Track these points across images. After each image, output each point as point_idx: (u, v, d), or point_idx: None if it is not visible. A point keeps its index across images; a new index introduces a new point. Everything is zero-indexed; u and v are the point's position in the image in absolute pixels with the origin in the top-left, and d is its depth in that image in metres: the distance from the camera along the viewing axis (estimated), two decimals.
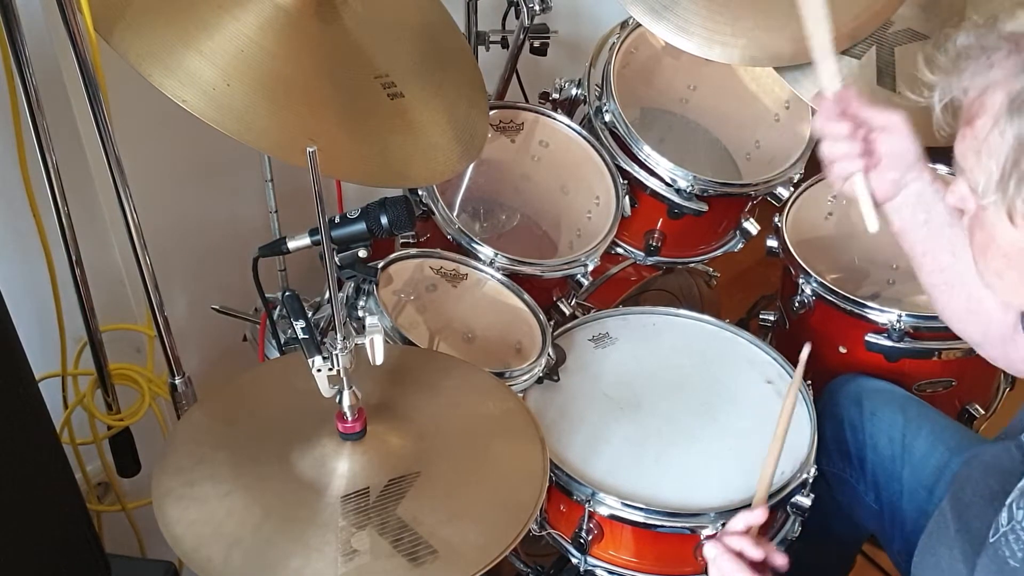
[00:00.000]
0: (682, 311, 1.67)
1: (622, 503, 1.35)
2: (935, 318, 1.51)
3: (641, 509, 1.34)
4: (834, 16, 1.56)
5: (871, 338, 1.55)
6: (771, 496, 1.37)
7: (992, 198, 0.92)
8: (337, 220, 1.28)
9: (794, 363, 1.56)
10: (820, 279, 1.58)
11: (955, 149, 0.96)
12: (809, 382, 1.53)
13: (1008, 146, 0.89)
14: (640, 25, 1.64)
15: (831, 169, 1.22)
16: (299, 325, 1.09)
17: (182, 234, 1.72)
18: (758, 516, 1.17)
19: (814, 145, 1.73)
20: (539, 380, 1.48)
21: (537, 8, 1.74)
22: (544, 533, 1.45)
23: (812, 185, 1.74)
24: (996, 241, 0.95)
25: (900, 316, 1.51)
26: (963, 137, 0.95)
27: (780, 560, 1.16)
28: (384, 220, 1.28)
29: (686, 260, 1.85)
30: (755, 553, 1.14)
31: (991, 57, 0.91)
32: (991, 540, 1.03)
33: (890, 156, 1.20)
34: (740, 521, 1.18)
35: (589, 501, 1.36)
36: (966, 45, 0.94)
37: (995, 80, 0.91)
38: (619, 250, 1.80)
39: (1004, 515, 1.03)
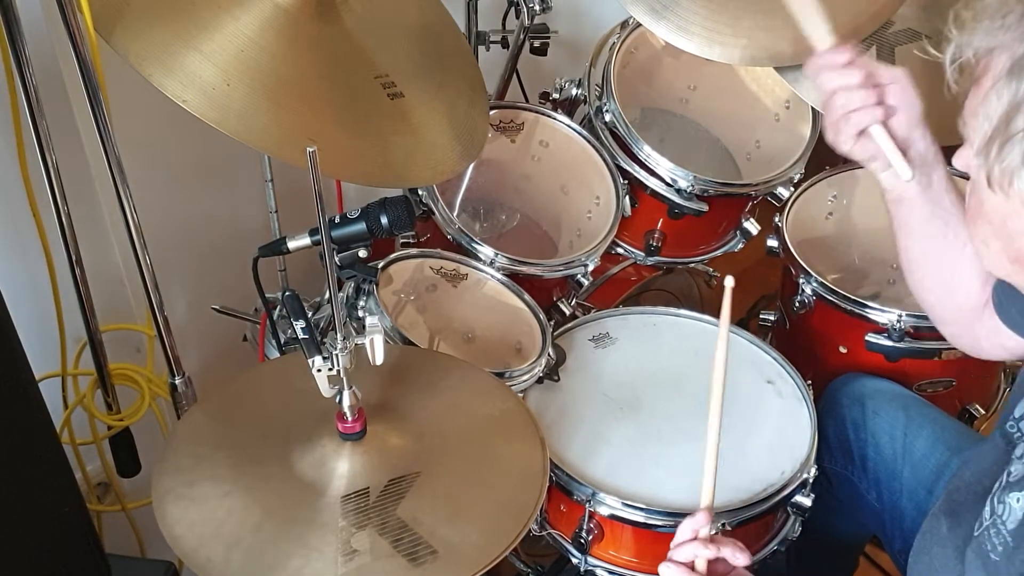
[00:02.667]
0: (682, 311, 1.67)
1: (622, 503, 1.35)
2: None
3: (641, 509, 1.34)
4: (834, 16, 1.56)
5: (871, 338, 1.55)
6: (771, 496, 1.37)
7: (977, 160, 0.92)
8: (337, 220, 1.28)
9: (795, 363, 1.57)
10: (820, 279, 1.58)
11: (964, 109, 0.96)
12: (809, 382, 1.53)
13: (1001, 109, 0.89)
14: (640, 25, 1.64)
15: (847, 122, 1.15)
16: (299, 325, 1.09)
17: (182, 234, 1.72)
18: (701, 520, 1.11)
19: (817, 137, 1.75)
20: (539, 380, 1.48)
21: (537, 8, 1.74)
22: (544, 533, 1.45)
23: (812, 185, 1.74)
24: (984, 207, 0.96)
25: (900, 316, 1.51)
26: (970, 98, 0.95)
27: (741, 559, 1.10)
28: (384, 220, 1.28)
29: (686, 260, 1.85)
30: (707, 551, 1.09)
31: (1005, 19, 0.91)
32: (975, 534, 1.03)
33: (899, 109, 1.15)
34: (687, 529, 1.13)
35: (589, 501, 1.36)
36: (988, 4, 0.93)
37: (1003, 42, 0.90)
38: (619, 250, 1.80)
39: (987, 509, 1.03)
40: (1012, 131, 0.87)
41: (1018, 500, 0.99)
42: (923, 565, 1.17)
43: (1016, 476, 1.02)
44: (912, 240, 1.24)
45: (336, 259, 1.27)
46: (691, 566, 1.10)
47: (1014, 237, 0.94)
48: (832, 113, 1.17)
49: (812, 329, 1.66)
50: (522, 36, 1.81)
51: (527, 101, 1.90)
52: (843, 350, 1.62)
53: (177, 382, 1.42)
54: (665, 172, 1.67)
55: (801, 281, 1.61)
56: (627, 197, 1.70)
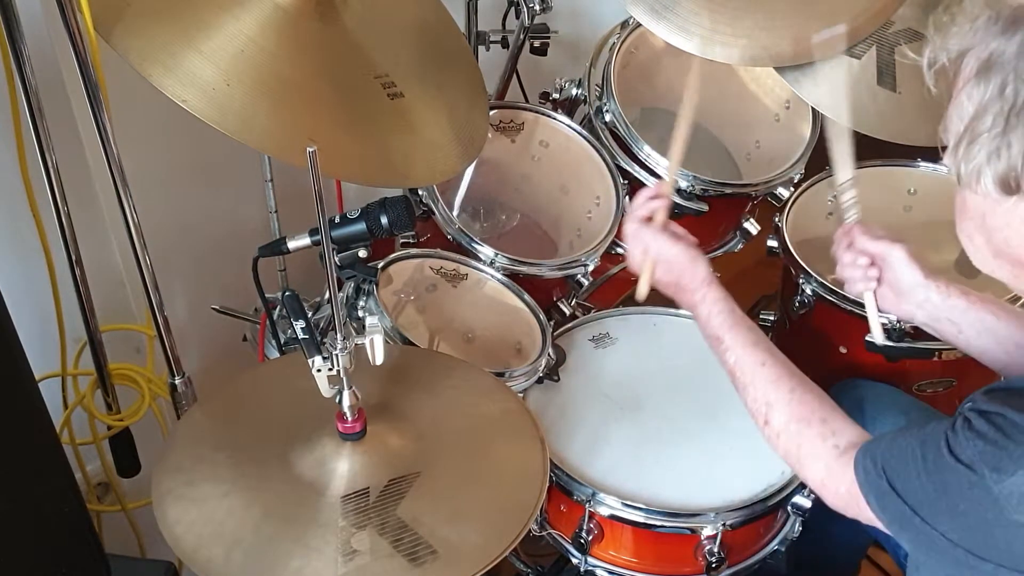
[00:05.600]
0: (682, 311, 1.67)
1: (622, 503, 1.35)
2: None
3: (641, 509, 1.34)
4: (834, 16, 1.56)
5: (871, 338, 1.54)
6: (771, 496, 1.37)
7: (949, 160, 0.94)
8: (337, 220, 1.28)
9: (795, 363, 1.56)
10: (820, 279, 1.58)
11: (946, 112, 0.98)
12: None
13: (971, 110, 0.90)
14: (640, 25, 1.64)
15: (847, 283, 1.36)
16: (299, 325, 1.09)
17: (182, 234, 1.72)
18: (657, 192, 1.34)
19: (814, 147, 1.75)
20: (539, 380, 1.48)
21: (537, 8, 1.74)
22: (544, 533, 1.45)
23: (812, 185, 1.74)
24: (966, 204, 0.98)
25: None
26: (950, 101, 0.97)
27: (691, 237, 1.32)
28: (384, 220, 1.28)
29: None
30: (663, 202, 1.31)
31: (975, 22, 0.93)
32: None
33: (890, 284, 1.32)
34: (644, 203, 1.33)
35: (589, 501, 1.36)
36: (963, 8, 0.95)
37: (972, 44, 0.92)
38: (619, 250, 1.80)
39: None
40: (978, 131, 0.89)
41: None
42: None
43: None
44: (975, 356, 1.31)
45: (336, 259, 1.27)
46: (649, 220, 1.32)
47: (992, 232, 0.96)
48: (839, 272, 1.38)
49: (812, 329, 1.66)
50: (522, 36, 1.82)
51: (527, 101, 1.90)
52: (843, 350, 1.62)
53: (177, 382, 1.42)
54: (665, 172, 1.67)
55: (801, 281, 1.61)
56: (627, 197, 1.70)
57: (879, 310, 1.36)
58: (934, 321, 1.32)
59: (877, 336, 1.39)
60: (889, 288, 1.33)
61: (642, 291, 1.32)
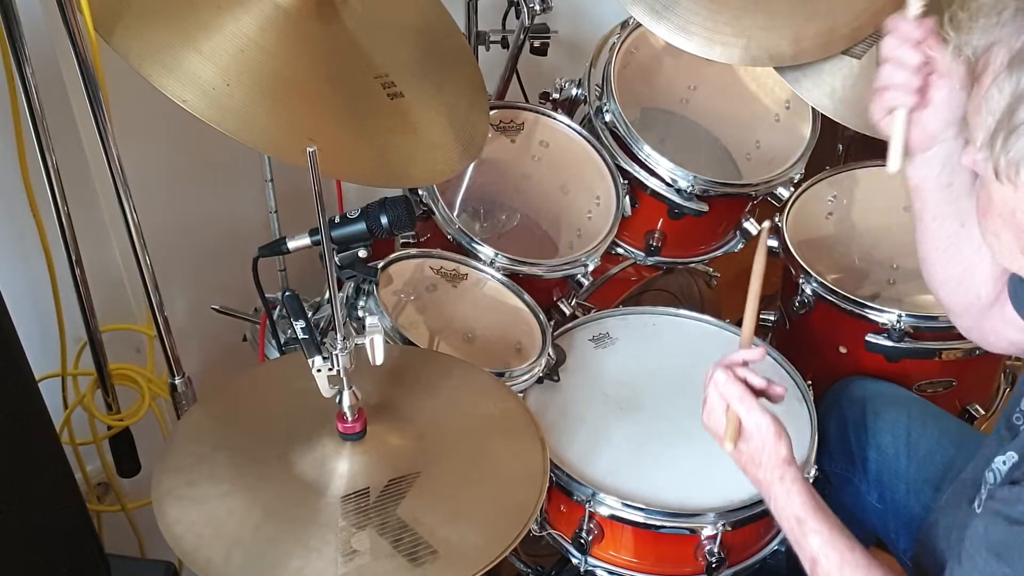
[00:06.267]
0: (682, 311, 1.67)
1: (622, 503, 1.35)
2: (935, 318, 1.51)
3: (641, 509, 1.34)
4: (834, 16, 1.56)
5: (871, 338, 1.55)
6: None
7: (983, 154, 0.93)
8: (337, 220, 1.28)
9: (795, 363, 1.57)
10: (820, 279, 1.58)
11: (967, 107, 0.97)
12: (809, 383, 1.53)
13: (1004, 103, 0.90)
14: (640, 25, 1.64)
15: (881, 96, 1.16)
16: (299, 325, 1.09)
17: (182, 234, 1.72)
18: (757, 354, 1.24)
19: (817, 137, 1.75)
20: (539, 380, 1.48)
21: (537, 8, 1.74)
22: (544, 533, 1.45)
23: (812, 185, 1.74)
24: (993, 200, 0.97)
25: (900, 316, 1.51)
26: (972, 95, 0.96)
27: (779, 389, 1.24)
28: (384, 220, 1.29)
29: (686, 260, 1.85)
30: (758, 381, 1.22)
31: (1001, 15, 0.92)
32: (978, 513, 1.05)
33: (940, 105, 1.14)
34: (739, 356, 1.24)
35: (589, 501, 1.36)
36: (983, 3, 0.94)
37: (1000, 38, 0.92)
38: (619, 250, 1.80)
39: (983, 490, 1.07)
40: (1016, 122, 0.88)
41: (1004, 462, 1.03)
42: (928, 559, 1.18)
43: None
44: (926, 233, 1.24)
45: (336, 259, 1.27)
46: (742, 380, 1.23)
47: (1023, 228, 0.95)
48: (877, 80, 1.16)
49: (812, 329, 1.66)
50: (522, 36, 1.82)
51: (527, 101, 1.90)
52: (843, 350, 1.62)
53: (177, 382, 1.42)
54: (665, 172, 1.67)
55: (801, 281, 1.61)
56: (627, 197, 1.70)
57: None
58: (939, 166, 1.17)
59: (895, 163, 1.16)
60: (935, 110, 1.14)
61: (729, 447, 1.21)
